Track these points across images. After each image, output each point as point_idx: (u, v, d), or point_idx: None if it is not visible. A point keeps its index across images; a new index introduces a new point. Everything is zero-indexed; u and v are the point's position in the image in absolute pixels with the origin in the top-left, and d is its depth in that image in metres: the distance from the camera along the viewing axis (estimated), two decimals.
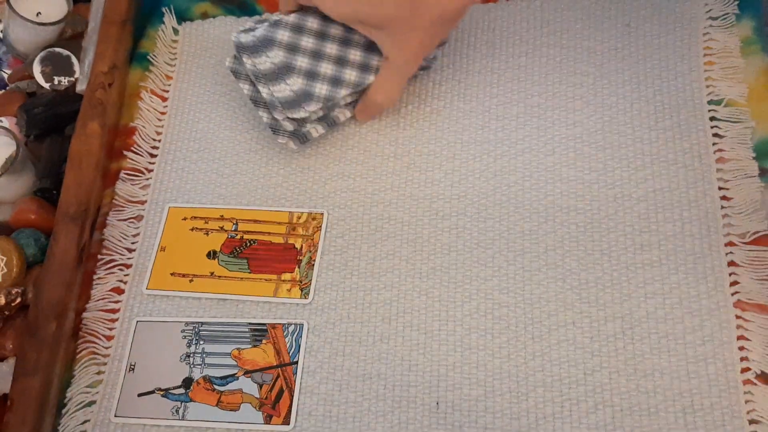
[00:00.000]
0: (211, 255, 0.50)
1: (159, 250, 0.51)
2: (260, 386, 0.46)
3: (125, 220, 0.53)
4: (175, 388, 0.46)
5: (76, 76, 0.57)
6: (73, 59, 0.57)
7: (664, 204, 0.46)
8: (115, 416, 0.46)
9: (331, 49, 0.49)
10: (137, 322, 0.49)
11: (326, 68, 0.48)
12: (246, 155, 0.54)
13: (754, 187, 0.45)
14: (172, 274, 0.50)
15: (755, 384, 0.41)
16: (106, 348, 0.49)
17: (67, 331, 0.48)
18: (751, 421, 0.40)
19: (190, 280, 0.50)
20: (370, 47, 0.49)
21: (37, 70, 0.57)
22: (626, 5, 0.53)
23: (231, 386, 0.46)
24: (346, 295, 0.48)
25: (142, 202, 0.53)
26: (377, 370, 0.45)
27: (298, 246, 0.50)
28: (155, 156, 0.55)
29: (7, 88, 0.59)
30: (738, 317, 0.43)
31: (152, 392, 0.47)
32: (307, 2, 0.47)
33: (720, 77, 0.49)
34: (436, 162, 0.51)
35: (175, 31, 0.59)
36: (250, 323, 0.48)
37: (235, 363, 0.47)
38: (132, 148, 0.55)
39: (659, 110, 0.49)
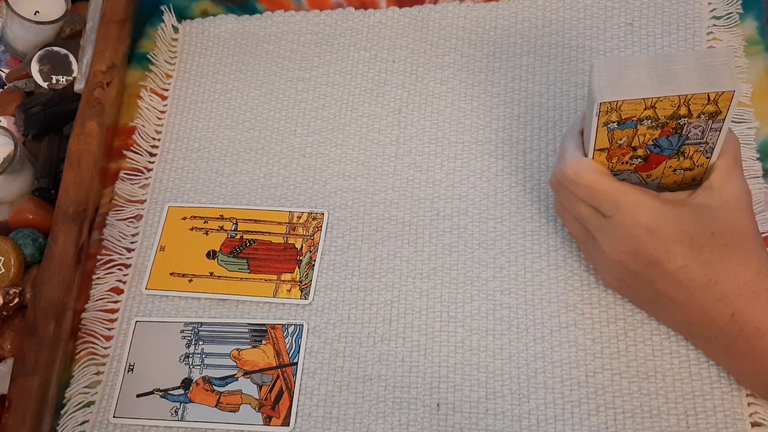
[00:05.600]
0: (211, 255, 0.50)
1: (158, 249, 0.51)
2: (260, 387, 0.45)
3: (124, 219, 0.53)
4: (174, 388, 0.46)
5: (74, 75, 0.57)
6: (71, 58, 0.57)
7: None
8: (114, 417, 0.46)
9: None
10: (136, 322, 0.49)
11: None
12: (246, 155, 0.53)
13: (758, 188, 0.45)
14: (171, 274, 0.50)
15: (754, 391, 0.41)
16: (105, 348, 0.48)
17: (66, 331, 0.48)
18: (754, 424, 0.40)
19: (190, 280, 0.49)
20: None
21: (35, 69, 0.57)
22: (629, 4, 0.53)
23: (230, 387, 0.46)
24: (346, 296, 0.47)
25: (142, 202, 0.53)
26: (378, 371, 0.45)
27: (298, 246, 0.49)
28: (155, 155, 0.55)
29: (5, 87, 0.58)
30: None
31: (151, 393, 0.46)
32: None
33: None
34: (438, 162, 0.51)
35: (175, 30, 0.59)
36: (249, 324, 0.47)
37: (234, 364, 0.46)
38: (131, 148, 0.55)
39: None
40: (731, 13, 0.50)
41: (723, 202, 0.37)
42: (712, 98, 0.35)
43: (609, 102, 0.36)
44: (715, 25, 0.50)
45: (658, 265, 0.38)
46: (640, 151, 0.39)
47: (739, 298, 0.37)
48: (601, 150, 0.39)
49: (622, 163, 0.40)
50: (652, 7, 0.52)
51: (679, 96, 0.35)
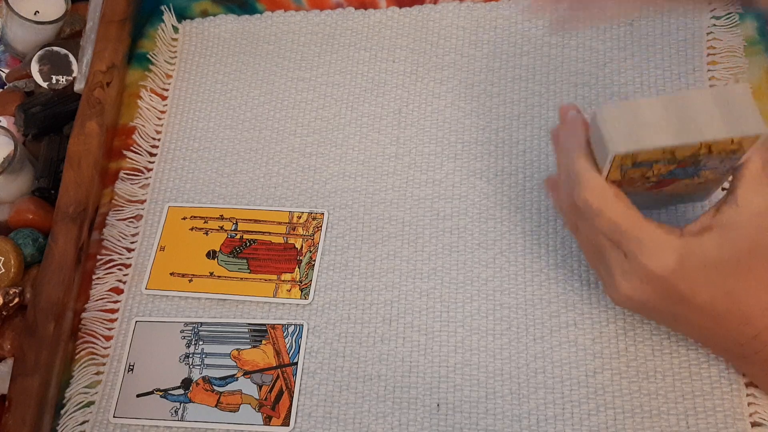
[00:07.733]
0: (211, 255, 0.50)
1: (158, 249, 0.51)
2: (260, 387, 0.45)
3: (124, 219, 0.53)
4: (174, 388, 0.46)
5: (74, 75, 0.57)
6: (71, 58, 0.57)
7: None
8: (114, 417, 0.46)
9: None
10: (136, 322, 0.49)
11: None
12: (246, 155, 0.53)
13: None
14: (171, 274, 0.50)
15: (758, 386, 0.41)
16: (105, 348, 0.48)
17: (66, 331, 0.48)
18: (754, 424, 0.40)
19: (190, 280, 0.49)
20: None
21: (35, 69, 0.57)
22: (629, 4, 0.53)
23: (230, 387, 0.46)
24: (346, 296, 0.47)
25: (142, 202, 0.53)
26: (377, 371, 0.45)
27: (298, 246, 0.49)
28: (155, 155, 0.55)
29: (5, 87, 0.58)
30: None
31: (151, 393, 0.46)
32: None
33: (723, 77, 0.49)
34: (438, 162, 0.51)
35: (175, 30, 0.59)
36: (249, 324, 0.47)
37: (234, 364, 0.46)
38: (131, 148, 0.55)
39: None
40: (731, 13, 0.50)
41: (748, 218, 0.36)
42: (736, 140, 0.33)
43: (625, 153, 0.33)
44: (715, 25, 0.50)
45: (682, 301, 0.37)
46: (653, 179, 0.37)
47: (763, 320, 0.36)
48: (612, 182, 0.37)
49: (634, 186, 0.38)
50: (652, 7, 0.52)
51: (701, 142, 0.33)
